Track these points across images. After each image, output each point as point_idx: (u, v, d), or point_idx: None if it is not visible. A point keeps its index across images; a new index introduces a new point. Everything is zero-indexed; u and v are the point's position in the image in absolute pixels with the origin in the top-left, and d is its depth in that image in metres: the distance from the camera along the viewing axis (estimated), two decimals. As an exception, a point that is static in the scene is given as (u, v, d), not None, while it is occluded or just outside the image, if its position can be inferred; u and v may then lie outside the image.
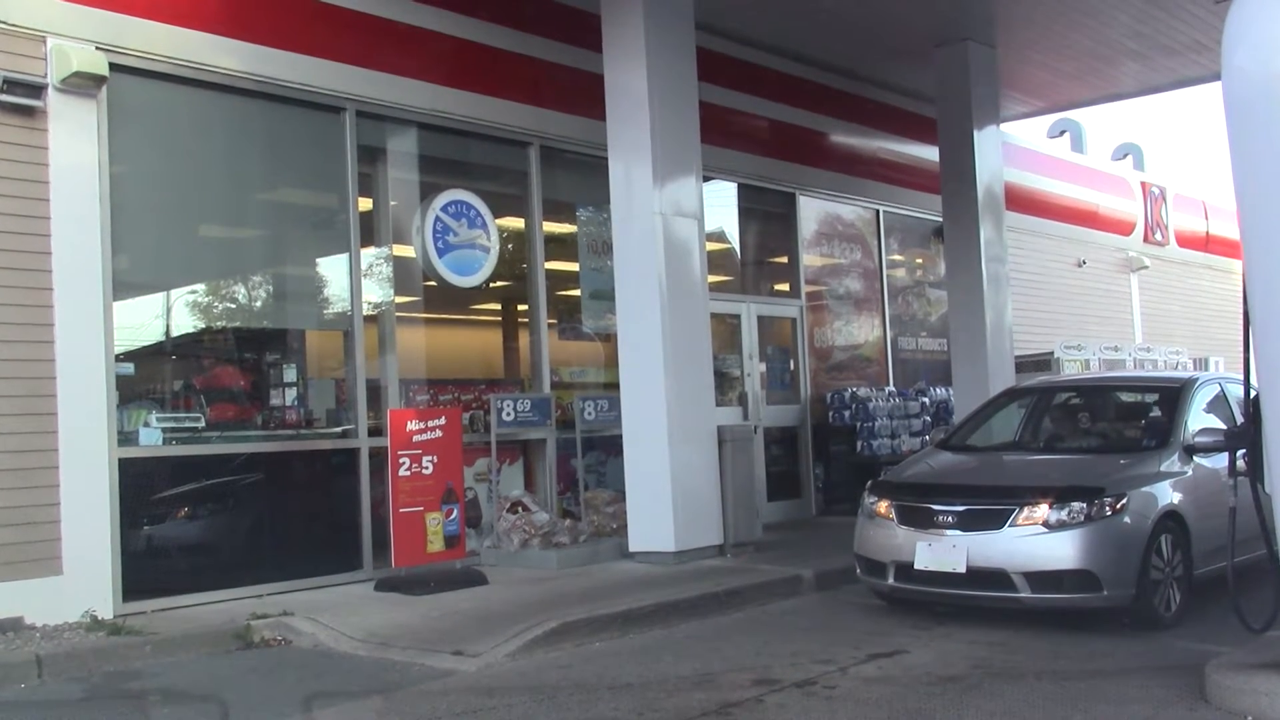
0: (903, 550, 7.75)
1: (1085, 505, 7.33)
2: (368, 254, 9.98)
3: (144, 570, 8.19)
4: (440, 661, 6.92)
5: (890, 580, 7.88)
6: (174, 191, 8.94)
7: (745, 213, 13.73)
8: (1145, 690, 5.93)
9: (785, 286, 14.31)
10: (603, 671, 6.62)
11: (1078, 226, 19.39)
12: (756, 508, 11.08)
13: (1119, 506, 7.39)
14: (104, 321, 8.07)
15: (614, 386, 10.65)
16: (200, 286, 9.44)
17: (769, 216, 14.17)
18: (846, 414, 13.83)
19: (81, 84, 7.90)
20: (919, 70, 14.28)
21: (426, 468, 9.09)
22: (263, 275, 9.78)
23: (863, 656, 6.80)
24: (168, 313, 9.21)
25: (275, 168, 9.66)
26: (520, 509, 10.37)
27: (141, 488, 8.28)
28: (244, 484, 9.00)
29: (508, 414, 10.38)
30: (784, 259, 14.38)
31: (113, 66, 8.05)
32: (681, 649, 7.19)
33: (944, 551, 7.52)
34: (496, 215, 10.82)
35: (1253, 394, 5.95)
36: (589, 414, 11.00)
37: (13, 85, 7.61)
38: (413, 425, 9.09)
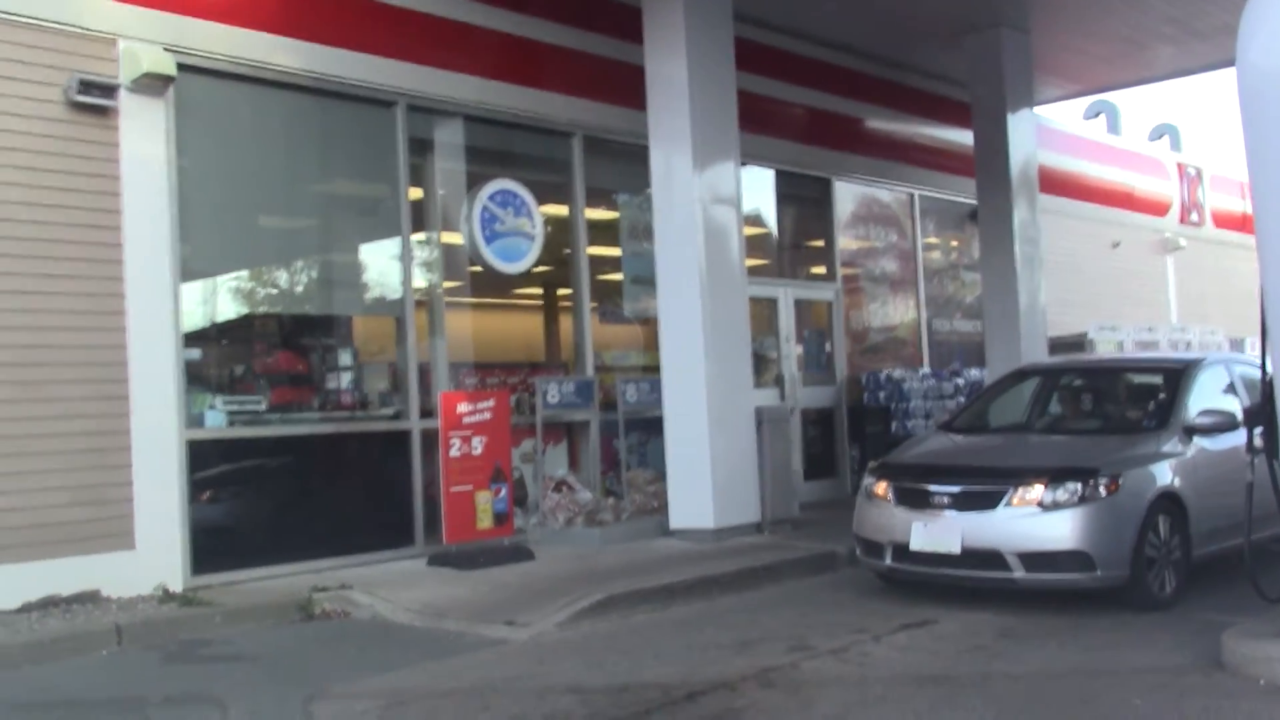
0: (899, 531, 7.85)
1: (1080, 486, 7.40)
2: (418, 242, 10.37)
3: (210, 545, 8.63)
4: (493, 631, 7.32)
5: (888, 561, 7.99)
6: (236, 184, 9.36)
7: (782, 198, 14.00)
8: (1164, 658, 6.25)
9: (821, 270, 14.60)
10: (647, 641, 7.00)
11: (1113, 208, 19.51)
12: (793, 487, 11.41)
13: (1113, 487, 7.44)
14: (173, 308, 8.51)
15: (655, 369, 10.99)
16: (260, 274, 9.88)
17: (805, 201, 14.45)
18: (881, 395, 14.11)
19: (150, 84, 8.31)
20: (952, 55, 14.48)
21: (476, 448, 9.49)
22: (318, 263, 10.19)
23: (895, 626, 7.14)
24: (230, 300, 9.65)
25: (330, 160, 10.06)
26: (565, 488, 10.76)
27: (207, 467, 8.72)
28: (302, 464, 9.42)
29: (552, 396, 10.75)
30: (820, 243, 14.66)
31: (179, 66, 8.45)
32: (722, 620, 7.55)
33: (939, 532, 7.63)
34: (540, 203, 11.16)
35: (1268, 375, 6.21)
36: (630, 396, 11.34)
37: (88, 86, 8.03)
38: (463, 407, 9.48)
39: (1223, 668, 5.92)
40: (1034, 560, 7.40)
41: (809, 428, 13.66)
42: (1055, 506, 7.39)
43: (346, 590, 8.30)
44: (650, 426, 11.30)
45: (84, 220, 8.11)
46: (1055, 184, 17.29)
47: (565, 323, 11.99)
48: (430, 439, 9.77)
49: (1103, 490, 7.41)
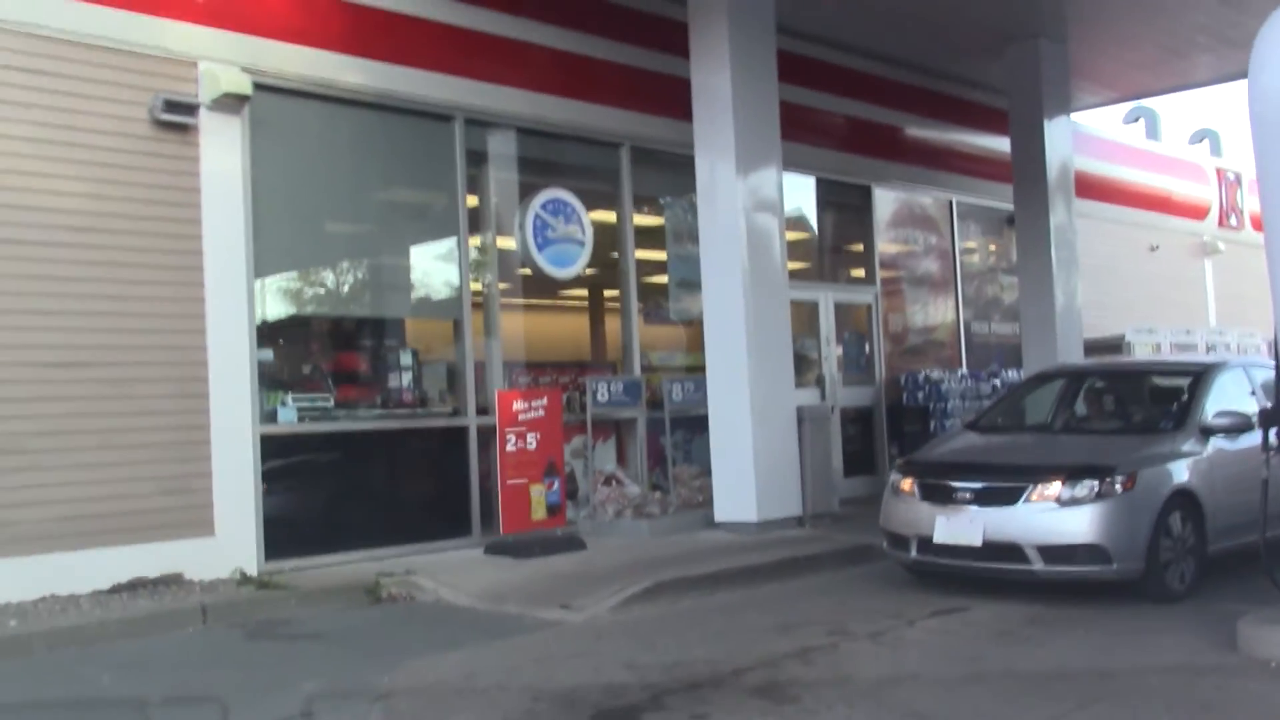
0: (923, 524, 8.20)
1: (1096, 483, 7.73)
2: (474, 248, 10.90)
3: (282, 533, 9.18)
4: (549, 614, 7.82)
5: (913, 553, 8.35)
6: (305, 195, 9.93)
7: (823, 204, 14.45)
8: (1181, 642, 6.64)
9: (861, 274, 15.01)
10: (694, 623, 7.48)
11: (1151, 212, 19.77)
12: (833, 482, 11.85)
13: (1129, 484, 7.76)
14: (247, 311, 9.08)
15: (699, 369, 11.45)
16: (328, 279, 10.47)
17: (845, 208, 14.87)
18: (920, 395, 14.50)
19: (228, 102, 8.88)
20: (990, 64, 14.85)
21: (530, 444, 10.00)
22: (381, 268, 10.75)
23: (928, 613, 7.56)
24: (299, 302, 10.22)
25: (392, 172, 10.61)
26: (614, 482, 11.26)
27: (279, 460, 9.29)
28: (366, 458, 9.97)
29: (602, 395, 11.24)
30: (860, 247, 15.08)
31: (254, 85, 9.00)
32: (764, 606, 8.01)
33: (961, 525, 7.97)
34: (589, 209, 11.66)
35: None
36: (676, 395, 11.81)
37: (172, 106, 8.62)
38: (518, 405, 10.00)
39: (1237, 652, 6.30)
40: (1052, 553, 7.74)
41: (848, 426, 14.07)
42: (1073, 502, 7.74)
43: (411, 576, 8.82)
44: (695, 424, 11.76)
45: (167, 230, 8.70)
46: (1093, 189, 17.59)
47: (613, 324, 12.49)
48: (486, 435, 10.29)
49: (1118, 487, 7.75)
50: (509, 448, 9.89)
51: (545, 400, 10.22)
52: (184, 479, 8.69)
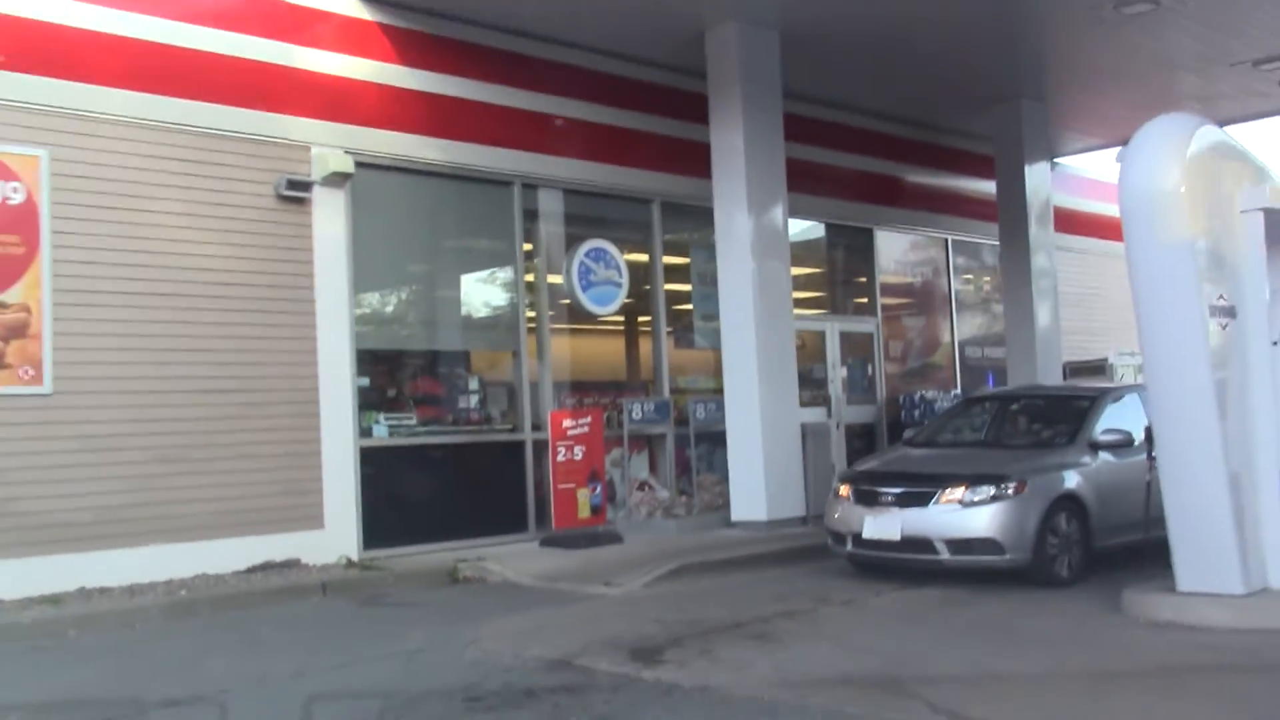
0: (856, 523, 9.81)
1: (992, 488, 9.31)
2: (529, 289, 13.00)
3: (376, 527, 11.28)
4: (594, 589, 9.86)
5: (849, 547, 9.97)
6: (394, 250, 12.11)
7: (830, 246, 16.51)
8: (1078, 607, 8.55)
9: (864, 302, 17.01)
10: (709, 594, 9.52)
11: (1137, 244, 21.54)
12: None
13: (1020, 489, 9.30)
14: (350, 348, 11.23)
15: (719, 391, 13.45)
16: (411, 318, 12.59)
17: (851, 248, 16.90)
18: (916, 413, 16.43)
19: (335, 179, 11.05)
20: (978, 117, 16.81)
21: (577, 455, 12.07)
22: (453, 308, 12.87)
23: (894, 588, 9.54)
24: (388, 338, 12.32)
25: (462, 229, 12.78)
26: (646, 488, 13.32)
27: (374, 467, 11.39)
28: (442, 466, 12.05)
29: (636, 414, 13.30)
30: (864, 280, 17.08)
31: (355, 164, 11.17)
32: (765, 583, 10.02)
33: (885, 523, 9.57)
34: (626, 254, 13.74)
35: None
36: (699, 414, 13.83)
37: (292, 184, 10.79)
38: (567, 423, 12.08)
39: (1120, 613, 8.23)
40: (956, 545, 9.35)
41: (853, 440, 16.04)
42: (972, 504, 9.34)
43: (481, 562, 10.90)
44: (715, 439, 13.77)
45: (288, 283, 10.86)
46: (1079, 224, 19.51)
47: (646, 348, 14.56)
48: (539, 447, 12.38)
49: (1010, 491, 9.33)
50: (559, 458, 11.96)
51: (589, 419, 12.29)
52: (301, 482, 10.83)
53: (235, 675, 7.07)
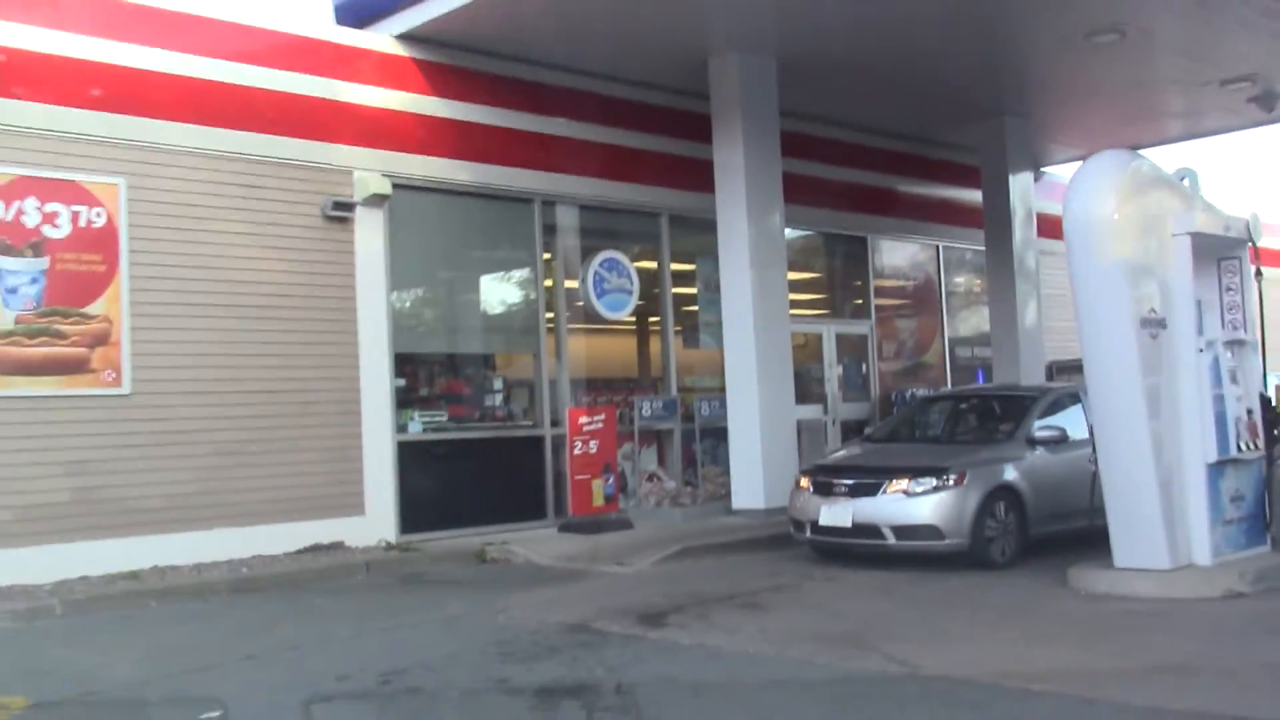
0: (814, 512, 10.79)
1: (934, 479, 10.28)
2: (548, 297, 14.22)
3: (411, 514, 12.53)
4: (608, 568, 11.10)
5: (807, 534, 10.95)
6: (427, 263, 13.37)
7: (827, 254, 17.72)
8: (1029, 583, 9.72)
9: (859, 308, 18.20)
10: (708, 572, 10.76)
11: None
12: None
13: (960, 480, 10.25)
14: (388, 352, 12.48)
15: (722, 390, 14.64)
16: (441, 324, 13.84)
17: (846, 256, 18.09)
18: (907, 409, 17.61)
19: (375, 200, 12.29)
20: (964, 131, 17.96)
21: (592, 448, 13.30)
22: (479, 314, 14.12)
23: (869, 568, 10.73)
24: (422, 343, 13.55)
25: (488, 242, 14.03)
26: (655, 479, 14.56)
27: (409, 460, 12.64)
28: (471, 459, 13.28)
29: (646, 412, 14.53)
30: (859, 284, 18.27)
31: (393, 186, 12.42)
32: (760, 562, 11.25)
33: (838, 511, 10.56)
34: (636, 263, 14.96)
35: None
36: (704, 411, 15.03)
37: (337, 205, 12.04)
38: (583, 420, 13.31)
39: (1066, 587, 9.41)
40: (901, 531, 10.32)
41: (848, 435, 17.12)
42: (916, 494, 10.32)
43: (506, 545, 12.15)
44: (719, 434, 14.96)
45: (333, 294, 12.12)
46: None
47: (655, 350, 15.79)
48: (558, 441, 13.61)
49: (950, 482, 10.28)
50: (576, 451, 13.20)
51: (603, 416, 13.52)
52: (344, 473, 12.09)
53: (301, 636, 8.35)
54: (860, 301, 18.24)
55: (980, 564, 10.33)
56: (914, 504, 10.36)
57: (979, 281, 20.06)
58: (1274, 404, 10.14)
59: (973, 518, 10.31)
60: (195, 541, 10.94)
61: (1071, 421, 11.24)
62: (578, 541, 12.49)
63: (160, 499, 10.86)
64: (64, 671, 7.43)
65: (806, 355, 16.81)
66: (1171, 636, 7.67)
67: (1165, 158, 27.15)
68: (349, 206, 12.19)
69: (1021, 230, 17.89)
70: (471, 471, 13.27)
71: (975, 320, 19.96)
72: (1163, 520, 9.02)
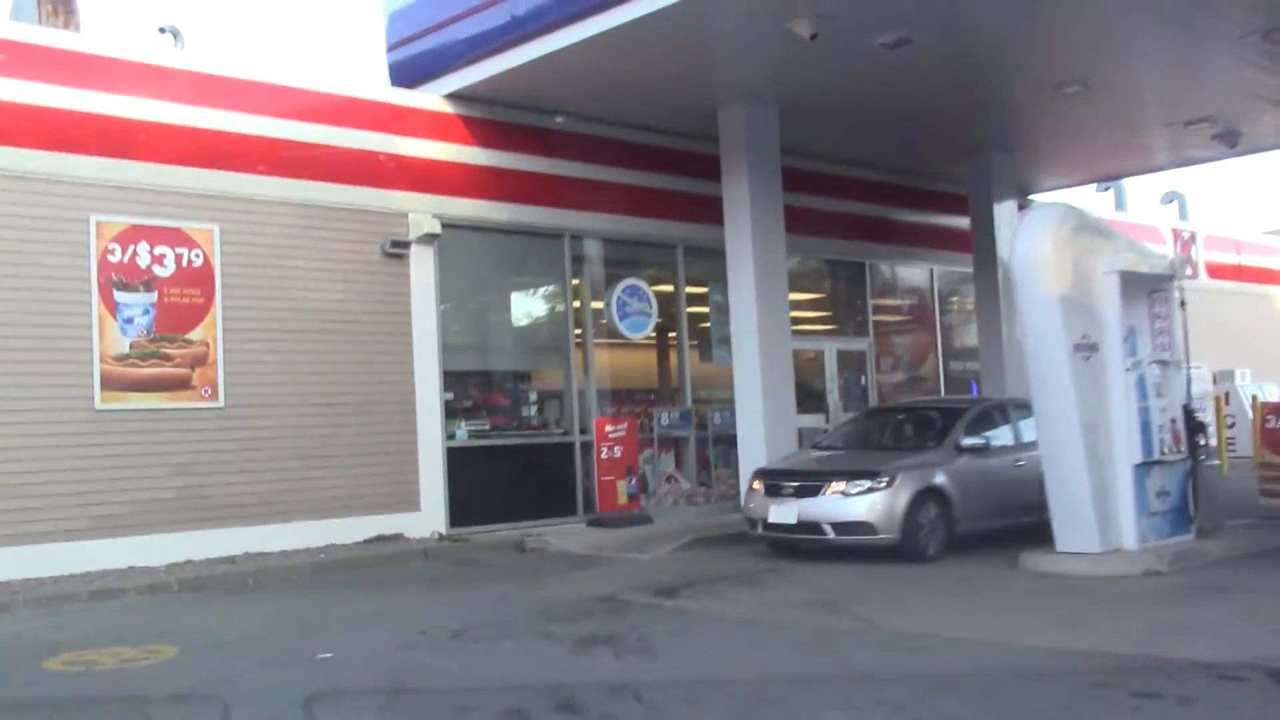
0: (764, 511, 12.12)
1: (868, 481, 11.58)
2: (576, 319, 16.07)
3: (460, 510, 14.37)
4: (631, 556, 12.91)
5: (760, 530, 12.28)
6: (471, 292, 15.28)
7: (829, 277, 19.52)
8: (986, 565, 11.42)
9: (859, 322, 19.96)
10: (716, 558, 12.57)
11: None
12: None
13: (890, 482, 11.52)
14: (438, 369, 14.35)
15: (733, 401, 16.40)
16: (483, 344, 15.71)
17: (846, 279, 19.89)
18: (903, 417, 19.31)
19: (427, 239, 14.18)
20: (955, 164, 19.69)
21: (617, 453, 15.13)
22: (516, 334, 16.01)
23: (834, 562, 12.41)
24: (467, 360, 15.42)
25: (523, 272, 15.94)
26: (672, 480, 16.40)
27: (457, 463, 14.49)
28: (510, 462, 15.12)
29: (664, 421, 16.36)
30: (858, 303, 20.04)
31: (442, 225, 14.30)
32: (761, 551, 13.04)
33: (785, 510, 11.85)
34: (654, 288, 16.78)
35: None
36: (716, 420, 16.84)
37: (395, 243, 13.95)
38: (608, 428, 15.15)
39: (1016, 569, 11.12)
40: (839, 527, 11.65)
41: (848, 441, 18.95)
42: (852, 494, 11.63)
43: (542, 537, 13.97)
44: (730, 440, 16.67)
45: (390, 320, 14.01)
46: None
47: (672, 364, 17.60)
48: (586, 447, 15.45)
49: (883, 483, 11.59)
50: (602, 455, 15.04)
51: (626, 425, 15.36)
52: (402, 474, 13.97)
53: (379, 607, 10.20)
54: (860, 320, 20.01)
55: (912, 557, 11.54)
56: (850, 503, 11.67)
57: (969, 300, 21.79)
58: (1195, 414, 11.84)
59: (903, 516, 11.57)
60: (279, 532, 12.84)
61: (994, 432, 12.77)
62: (604, 534, 14.29)
63: (249, 496, 12.75)
64: (196, 629, 9.31)
65: (813, 370, 18.59)
66: (1087, 603, 9.40)
67: (1156, 182, 28.91)
68: (405, 244, 14.08)
69: (1006, 254, 19.61)
70: (511, 473, 15.10)
71: (966, 336, 21.70)
72: (1094, 512, 10.77)
